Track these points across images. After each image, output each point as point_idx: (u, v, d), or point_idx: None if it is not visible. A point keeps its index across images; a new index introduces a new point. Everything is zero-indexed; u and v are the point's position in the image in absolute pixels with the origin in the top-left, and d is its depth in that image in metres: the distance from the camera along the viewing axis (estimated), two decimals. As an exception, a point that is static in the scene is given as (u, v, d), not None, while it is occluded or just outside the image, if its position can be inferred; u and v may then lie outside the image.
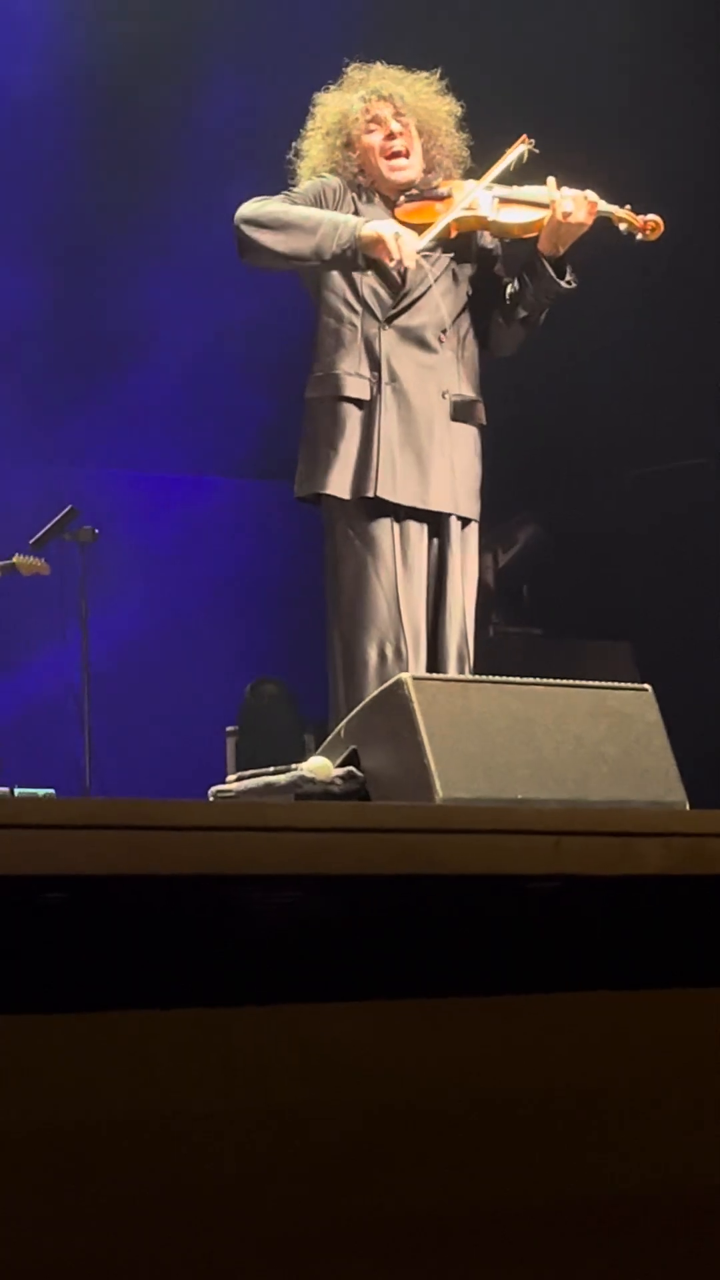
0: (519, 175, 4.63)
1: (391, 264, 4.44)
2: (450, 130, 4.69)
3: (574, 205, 4.49)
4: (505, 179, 4.61)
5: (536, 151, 4.63)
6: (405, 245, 4.40)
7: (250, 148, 7.31)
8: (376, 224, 4.43)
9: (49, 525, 6.99)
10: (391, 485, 4.42)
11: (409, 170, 4.62)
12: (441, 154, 4.67)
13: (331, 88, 4.71)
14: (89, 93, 7.65)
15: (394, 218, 4.56)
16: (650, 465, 8.70)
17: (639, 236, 4.60)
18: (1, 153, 7.68)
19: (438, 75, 4.71)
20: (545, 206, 4.54)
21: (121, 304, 7.96)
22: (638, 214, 4.59)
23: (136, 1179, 1.98)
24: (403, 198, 4.63)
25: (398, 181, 4.61)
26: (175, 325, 7.99)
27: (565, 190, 4.53)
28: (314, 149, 4.65)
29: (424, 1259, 2.13)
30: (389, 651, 4.39)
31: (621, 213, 4.58)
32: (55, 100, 7.58)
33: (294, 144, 4.72)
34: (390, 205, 4.61)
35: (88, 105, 7.68)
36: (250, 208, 4.47)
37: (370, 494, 4.41)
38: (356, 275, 4.51)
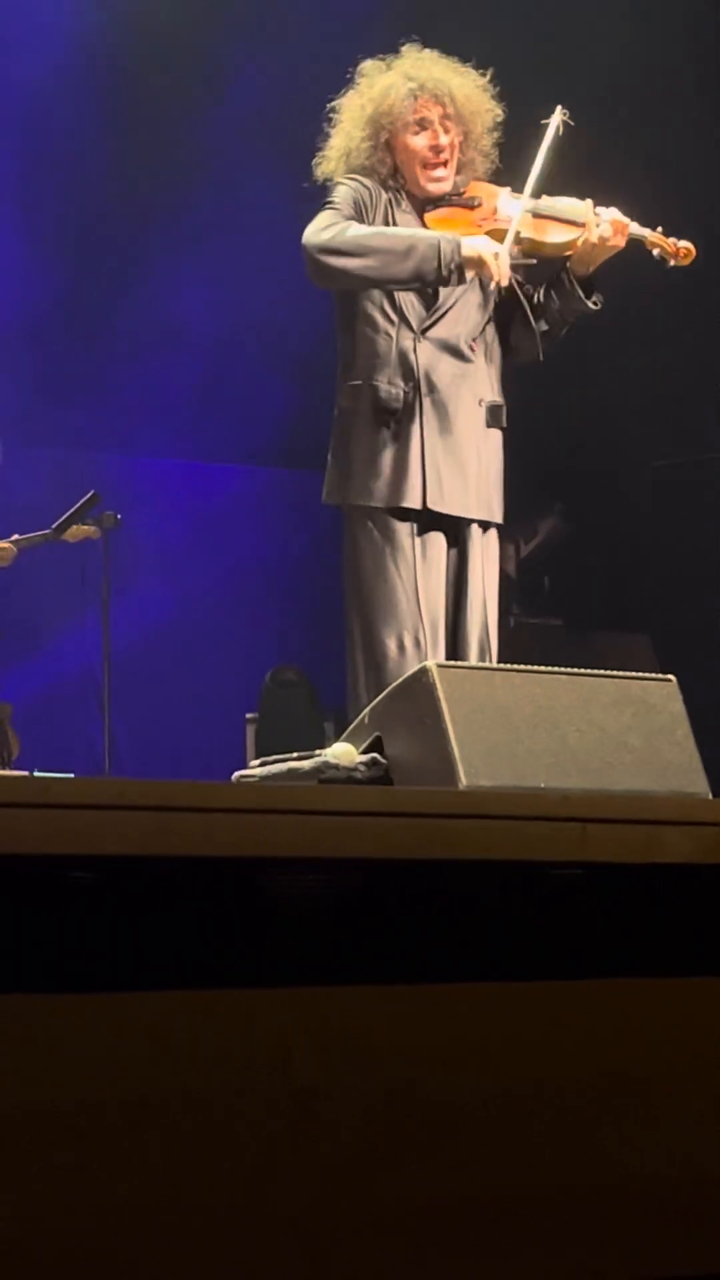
0: (553, 184, 4.60)
1: (494, 286, 4.46)
2: (488, 133, 4.65)
3: (611, 229, 4.49)
4: (540, 183, 4.58)
5: (572, 124, 4.58)
6: (504, 265, 4.42)
7: (273, 137, 7.33)
8: (476, 244, 4.42)
9: (72, 510, 6.98)
10: (440, 496, 4.46)
11: (446, 182, 4.59)
12: (475, 154, 4.63)
13: (383, 59, 4.66)
14: (110, 80, 7.64)
15: (423, 224, 4.55)
16: (671, 458, 8.68)
17: (671, 262, 4.59)
18: (23, 140, 7.68)
19: (488, 77, 4.66)
20: (580, 226, 4.52)
21: (141, 291, 7.96)
22: (667, 235, 4.58)
23: (158, 1156, 1.99)
24: (431, 204, 4.61)
25: (434, 193, 4.58)
26: (196, 312, 7.98)
27: (601, 211, 4.51)
28: (352, 130, 4.60)
29: (438, 1242, 2.13)
30: (408, 642, 4.42)
31: (654, 237, 4.57)
32: (76, 88, 7.58)
33: (329, 105, 4.67)
34: (420, 210, 4.60)
35: (109, 93, 7.67)
36: (325, 234, 4.40)
37: (417, 505, 4.45)
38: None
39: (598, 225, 4.50)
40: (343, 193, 4.53)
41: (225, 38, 7.62)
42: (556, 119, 4.58)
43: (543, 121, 4.59)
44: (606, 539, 8.68)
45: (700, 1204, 2.34)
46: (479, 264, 4.41)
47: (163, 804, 2.05)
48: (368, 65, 4.64)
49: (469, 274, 4.45)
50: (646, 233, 4.58)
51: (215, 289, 7.83)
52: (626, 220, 4.52)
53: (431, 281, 4.45)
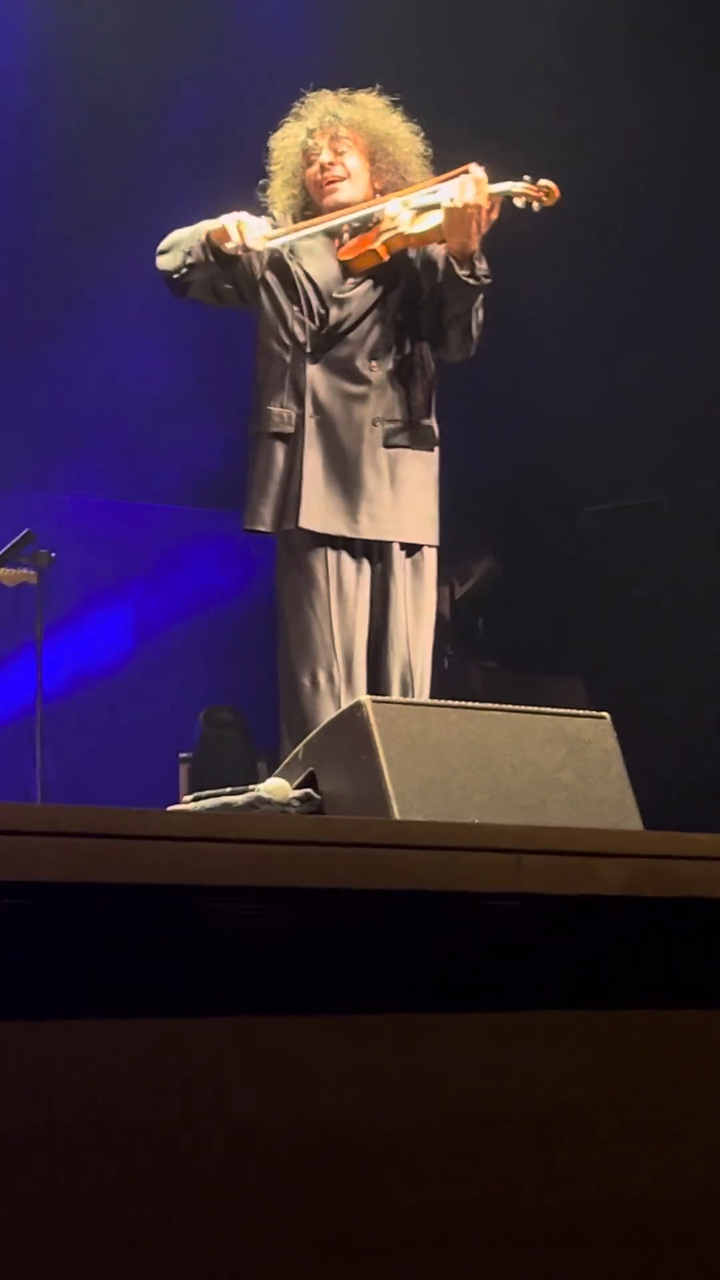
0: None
1: (231, 247, 4.46)
2: (403, 144, 4.65)
3: (459, 189, 4.40)
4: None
5: (536, 210, 4.53)
6: (247, 231, 4.44)
7: (212, 177, 7.35)
8: (221, 217, 4.48)
9: (5, 548, 6.95)
10: (319, 517, 4.43)
11: (345, 190, 4.60)
12: (395, 171, 4.63)
13: (285, 123, 4.72)
14: (47, 118, 7.66)
15: (337, 259, 4.56)
16: (605, 502, 8.73)
17: (536, 206, 4.43)
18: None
19: (383, 92, 4.69)
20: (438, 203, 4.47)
21: (74, 327, 7.96)
22: (534, 181, 4.44)
23: (92, 1187, 1.97)
24: (345, 237, 4.62)
25: (337, 202, 4.59)
26: (130, 350, 7.99)
27: (451, 182, 4.44)
28: (275, 193, 4.69)
29: (375, 1272, 2.12)
30: (321, 678, 4.41)
31: (517, 187, 4.42)
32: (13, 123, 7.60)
33: (260, 183, 4.73)
34: (329, 242, 4.62)
35: (43, 133, 7.69)
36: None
37: (293, 526, 4.43)
38: (285, 311, 4.54)
39: (446, 190, 4.42)
40: None
41: (165, 76, 7.64)
42: (519, 186, 4.49)
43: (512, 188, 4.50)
44: (541, 582, 8.72)
45: (636, 1233, 2.34)
46: (221, 234, 4.47)
47: (96, 831, 2.04)
48: (272, 137, 4.74)
49: (227, 245, 4.47)
50: (509, 185, 4.43)
51: (150, 327, 7.83)
52: (478, 174, 4.40)
53: (200, 253, 4.51)
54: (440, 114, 4.74)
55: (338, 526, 4.45)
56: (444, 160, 4.64)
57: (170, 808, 3.70)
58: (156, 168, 7.70)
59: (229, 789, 3.67)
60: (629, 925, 2.42)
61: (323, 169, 4.60)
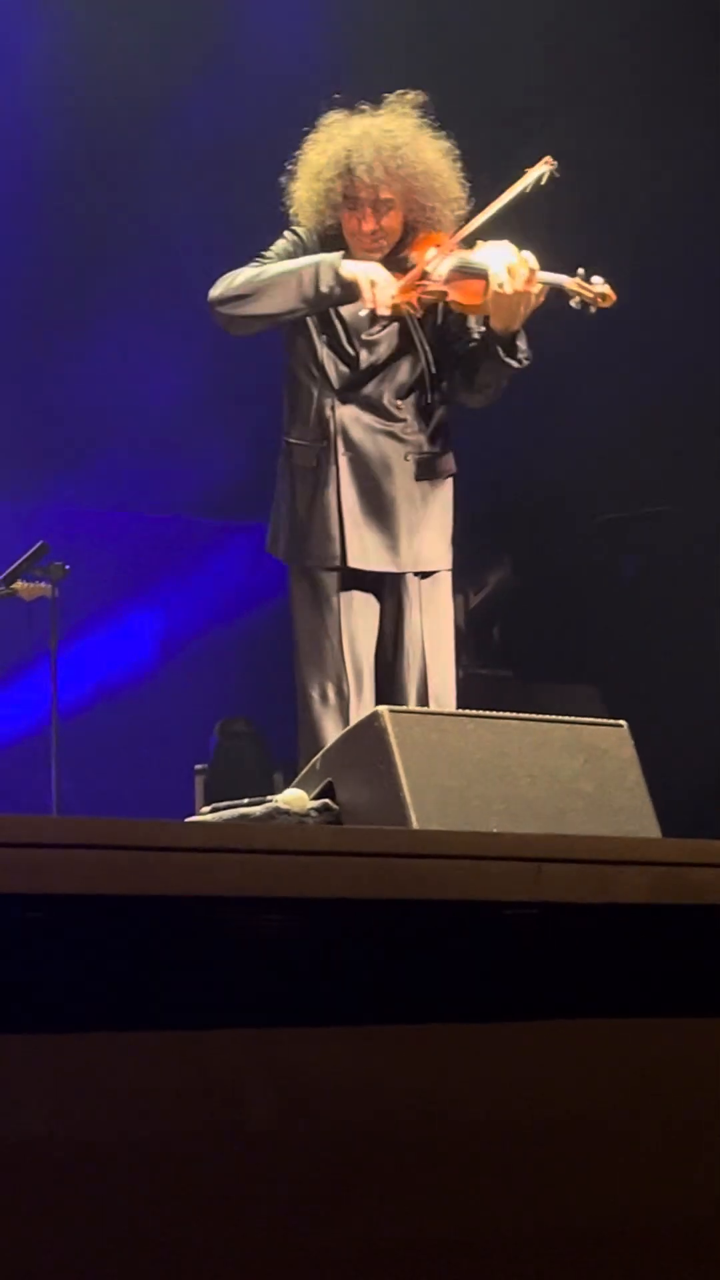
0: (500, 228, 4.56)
1: (364, 312, 4.43)
2: (436, 185, 4.59)
3: (508, 276, 4.37)
4: (470, 241, 4.53)
5: (558, 175, 4.52)
6: (381, 294, 4.40)
7: (220, 194, 7.36)
8: (354, 266, 4.42)
9: (20, 561, 6.96)
10: (363, 555, 4.48)
11: (384, 252, 4.58)
12: (423, 215, 4.59)
13: (315, 136, 4.65)
14: (55, 137, 7.66)
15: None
16: (618, 511, 8.73)
17: (593, 309, 4.44)
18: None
19: (425, 114, 4.63)
20: (486, 276, 4.44)
21: (87, 340, 7.96)
22: (588, 279, 4.43)
23: (108, 1198, 1.96)
24: None
25: (372, 259, 4.57)
26: (149, 365, 7.99)
27: (507, 259, 4.39)
28: (304, 186, 4.61)
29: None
30: (330, 692, 4.45)
31: (572, 283, 4.42)
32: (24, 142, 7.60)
33: (282, 180, 4.69)
34: None
35: (49, 152, 7.68)
36: (219, 288, 4.47)
37: (338, 564, 4.45)
38: (316, 343, 4.52)
39: (496, 276, 4.38)
40: (279, 246, 4.58)
41: (174, 86, 7.63)
42: (539, 171, 4.50)
43: (527, 169, 4.53)
44: (556, 591, 8.71)
45: (663, 1248, 2.32)
46: (354, 284, 4.40)
47: (114, 843, 2.03)
48: (331, 117, 4.63)
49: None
50: (563, 279, 4.43)
51: (163, 338, 7.83)
52: (532, 262, 4.39)
53: (322, 302, 4.43)
54: (445, 117, 4.72)
55: (383, 563, 4.50)
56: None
57: (187, 819, 3.69)
58: (166, 179, 7.69)
59: (246, 800, 3.66)
60: (650, 933, 2.41)
61: (368, 234, 4.54)
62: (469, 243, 4.52)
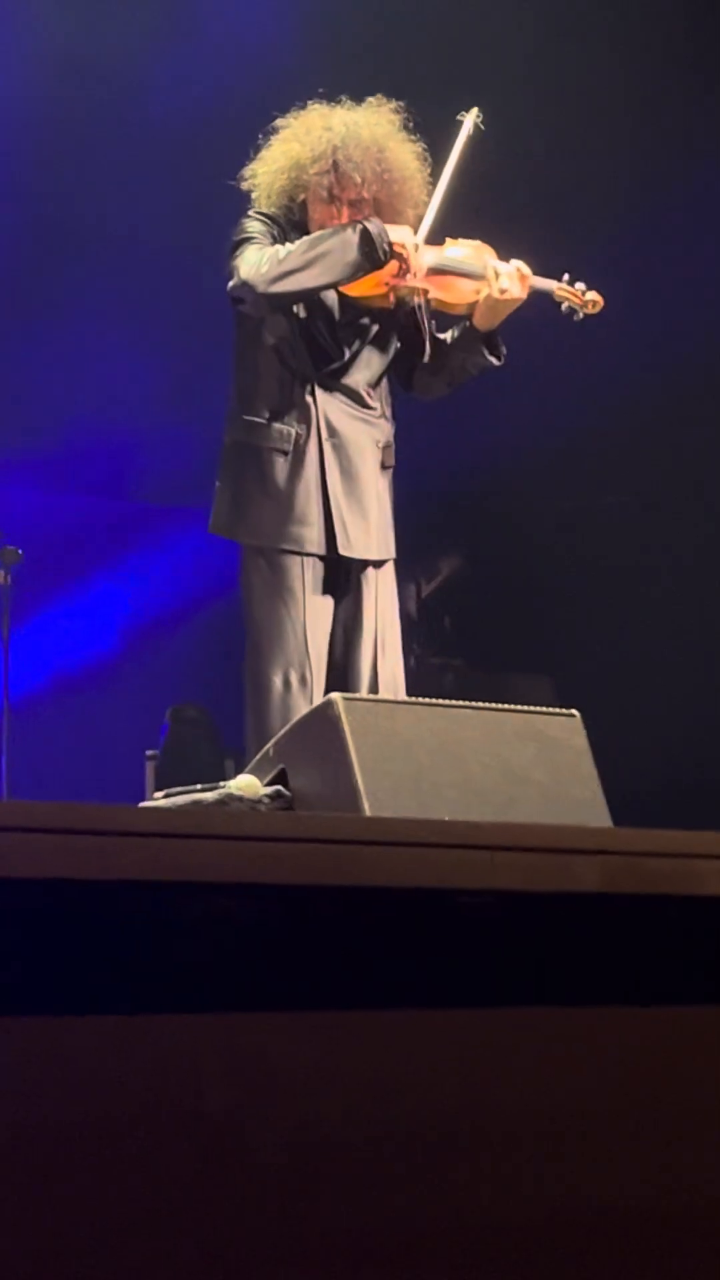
0: (451, 227, 4.61)
1: (408, 296, 4.47)
2: (410, 188, 4.63)
3: (509, 281, 4.49)
4: (438, 227, 4.58)
5: (484, 128, 4.60)
6: (419, 261, 4.46)
7: (189, 188, 7.32)
8: (398, 232, 4.47)
9: (-28, 546, 6.93)
10: (348, 543, 4.50)
11: None
12: (390, 215, 4.62)
13: (293, 125, 4.66)
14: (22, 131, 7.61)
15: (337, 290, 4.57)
16: (572, 500, 8.75)
17: (580, 315, 4.58)
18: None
19: (402, 114, 4.66)
20: (482, 279, 4.53)
21: (41, 320, 7.92)
22: (572, 284, 4.58)
23: (66, 1186, 1.95)
24: None
25: None
26: (104, 350, 7.96)
27: (500, 264, 4.51)
28: (276, 171, 4.62)
29: (352, 1274, 2.11)
30: (294, 679, 4.46)
31: (560, 289, 4.56)
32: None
33: (273, 123, 4.67)
34: None
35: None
36: (265, 267, 4.42)
37: (322, 552, 4.47)
38: (295, 329, 4.53)
39: (498, 278, 4.49)
40: (257, 227, 4.57)
41: (137, 69, 7.59)
42: (470, 121, 4.59)
43: (458, 117, 4.59)
44: (509, 580, 8.73)
45: (617, 1235, 2.33)
46: (401, 249, 4.45)
47: (70, 827, 2.03)
48: (317, 108, 4.65)
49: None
50: (552, 284, 4.56)
51: (120, 323, 7.80)
52: (528, 272, 4.52)
53: (373, 266, 4.46)
54: (415, 102, 4.73)
55: (365, 550, 4.53)
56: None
57: (142, 804, 3.69)
58: (126, 164, 7.66)
59: (199, 786, 3.67)
60: (604, 922, 2.42)
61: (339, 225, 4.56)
62: (437, 239, 4.58)
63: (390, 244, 4.44)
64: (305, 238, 4.48)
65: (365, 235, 4.42)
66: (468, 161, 4.58)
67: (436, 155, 4.64)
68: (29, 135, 7.62)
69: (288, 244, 4.48)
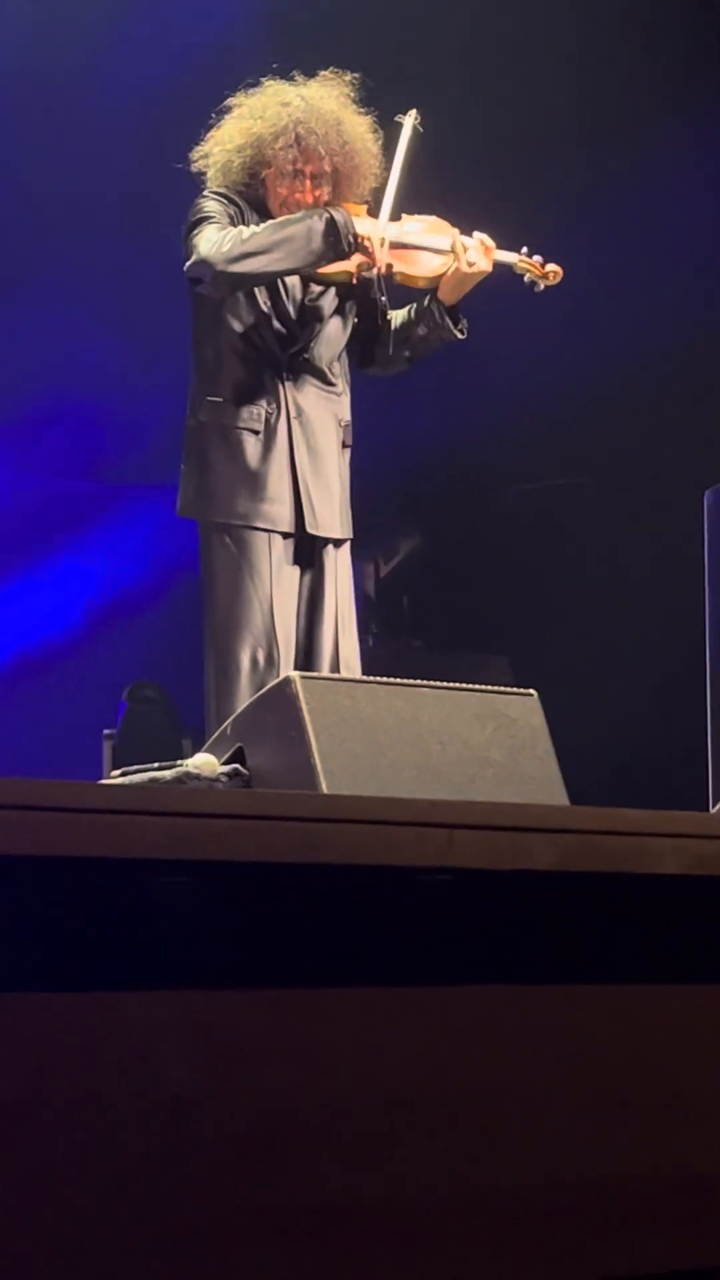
0: (411, 204, 4.63)
1: (370, 271, 4.48)
2: (366, 160, 4.64)
3: (476, 255, 4.52)
4: (399, 203, 4.60)
5: (422, 130, 4.63)
6: (385, 255, 4.46)
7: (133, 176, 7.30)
8: (365, 224, 4.47)
9: None
10: (314, 521, 4.50)
11: None
12: (347, 188, 4.63)
13: (251, 95, 4.65)
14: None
15: None
16: (531, 482, 8.76)
17: (541, 285, 4.62)
18: None
19: (354, 87, 4.66)
20: (448, 253, 4.55)
21: (6, 309, 7.89)
22: (530, 256, 4.61)
23: (26, 1163, 1.96)
24: None
25: None
26: (61, 327, 7.93)
27: (464, 239, 4.54)
28: (232, 150, 4.60)
29: (314, 1249, 2.12)
30: (261, 657, 4.45)
31: (522, 261, 4.60)
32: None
33: (227, 101, 4.66)
34: None
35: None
36: (225, 246, 4.39)
37: (291, 529, 4.47)
38: (259, 308, 4.52)
39: (465, 251, 4.52)
40: (215, 206, 4.55)
41: (98, 45, 7.55)
42: (409, 123, 4.62)
43: (397, 118, 4.62)
44: (467, 561, 8.74)
45: (572, 1215, 2.35)
46: (366, 242, 4.45)
47: (30, 803, 2.03)
48: (272, 84, 4.64)
49: (361, 246, 4.50)
50: (513, 256, 4.60)
51: (81, 302, 7.77)
52: (492, 244, 4.55)
53: (335, 256, 4.46)
54: (370, 74, 4.74)
55: (331, 529, 4.53)
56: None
57: (100, 782, 3.68)
58: (87, 144, 7.61)
59: (156, 764, 3.65)
60: (560, 900, 2.43)
61: (305, 200, 4.56)
62: (394, 216, 4.58)
63: (355, 235, 4.44)
64: (270, 221, 4.48)
65: (331, 224, 4.42)
66: (414, 160, 4.59)
67: (387, 124, 4.65)
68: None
69: (251, 225, 4.47)
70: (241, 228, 4.45)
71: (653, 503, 8.05)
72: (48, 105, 7.51)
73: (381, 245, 4.47)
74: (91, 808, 2.05)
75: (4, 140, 7.59)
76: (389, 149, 4.63)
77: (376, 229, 4.51)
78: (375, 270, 4.49)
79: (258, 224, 4.54)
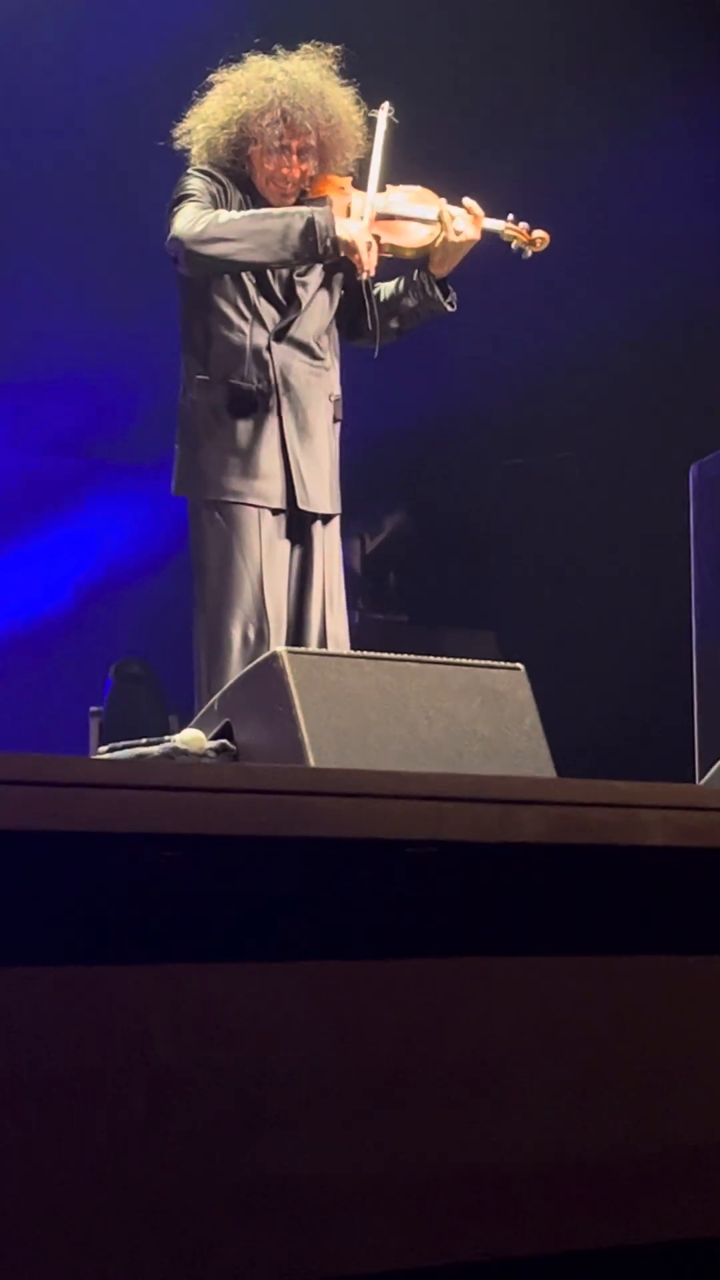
0: (396, 175, 4.62)
1: (361, 276, 4.47)
2: (350, 132, 4.64)
3: (463, 223, 4.51)
4: (385, 170, 4.60)
5: (397, 121, 4.62)
6: (372, 258, 4.44)
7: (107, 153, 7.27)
8: (350, 226, 4.44)
9: None
10: (305, 497, 4.50)
11: (295, 197, 4.61)
12: (332, 161, 4.63)
13: (234, 70, 4.64)
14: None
15: None
16: (516, 457, 8.76)
17: (529, 252, 4.61)
18: None
19: (335, 59, 4.65)
20: (435, 222, 4.54)
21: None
22: (517, 223, 4.60)
23: (11, 1137, 1.96)
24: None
25: (283, 204, 4.60)
26: (46, 303, 7.91)
27: (452, 208, 4.54)
28: (216, 127, 4.60)
29: (301, 1222, 2.12)
30: (251, 633, 4.45)
31: (509, 227, 4.59)
32: None
33: (209, 78, 4.65)
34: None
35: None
36: (198, 226, 4.39)
37: (283, 505, 4.46)
38: (248, 285, 4.51)
39: (452, 220, 4.52)
40: (198, 185, 4.54)
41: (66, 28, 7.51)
42: (383, 116, 4.61)
43: (370, 114, 4.62)
44: (453, 536, 8.74)
45: (558, 1190, 2.36)
46: (351, 247, 4.43)
47: (18, 778, 2.03)
48: (255, 60, 4.63)
49: (342, 253, 4.48)
50: (500, 224, 4.60)
51: (64, 279, 7.75)
52: (480, 212, 4.54)
53: (309, 259, 4.45)
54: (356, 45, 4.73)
55: (322, 505, 4.52)
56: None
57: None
58: (70, 110, 7.58)
59: (144, 740, 3.66)
60: (549, 872, 2.43)
61: (293, 175, 4.56)
62: (380, 187, 4.58)
63: (335, 240, 4.41)
64: (254, 210, 4.48)
65: (310, 226, 4.40)
66: (393, 151, 4.59)
67: (371, 96, 4.64)
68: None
69: (232, 209, 4.47)
70: (220, 211, 4.44)
71: (638, 477, 8.05)
72: (29, 79, 7.47)
73: (369, 250, 4.43)
74: (82, 782, 2.05)
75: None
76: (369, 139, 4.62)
77: (364, 238, 4.48)
78: (363, 274, 4.47)
79: (241, 201, 4.54)
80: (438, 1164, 2.24)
